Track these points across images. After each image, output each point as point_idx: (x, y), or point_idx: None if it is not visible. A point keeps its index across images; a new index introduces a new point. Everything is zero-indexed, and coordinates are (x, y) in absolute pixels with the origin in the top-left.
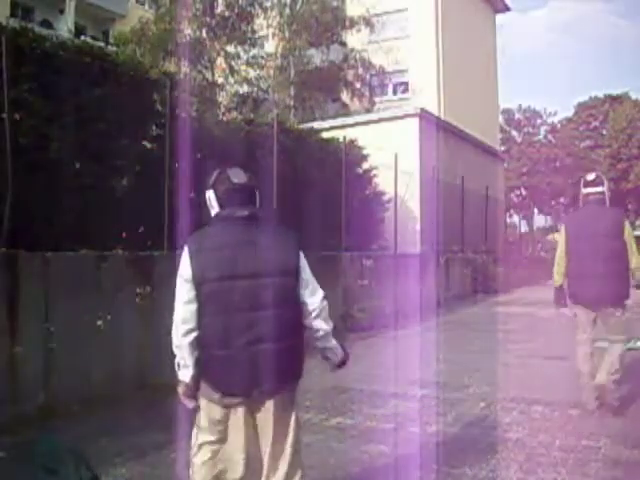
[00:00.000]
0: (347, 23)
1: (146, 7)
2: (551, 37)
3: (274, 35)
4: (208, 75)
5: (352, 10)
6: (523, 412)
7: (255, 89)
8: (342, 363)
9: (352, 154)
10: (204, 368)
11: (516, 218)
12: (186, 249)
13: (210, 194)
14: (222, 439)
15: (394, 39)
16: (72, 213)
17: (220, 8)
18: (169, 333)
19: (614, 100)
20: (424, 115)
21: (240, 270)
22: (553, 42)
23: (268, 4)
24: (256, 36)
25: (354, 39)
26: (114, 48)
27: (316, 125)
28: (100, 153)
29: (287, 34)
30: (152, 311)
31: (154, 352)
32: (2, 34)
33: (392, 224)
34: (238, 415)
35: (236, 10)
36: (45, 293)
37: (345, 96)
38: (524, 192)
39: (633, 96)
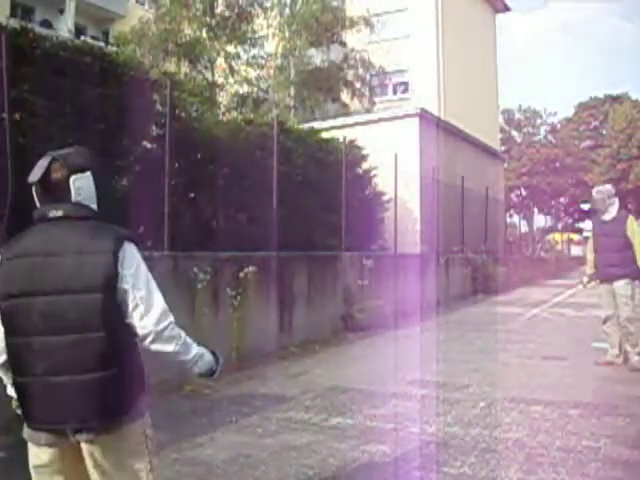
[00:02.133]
0: (347, 23)
1: (146, 7)
2: (551, 37)
3: (274, 35)
4: (208, 75)
5: (352, 10)
6: (523, 412)
7: (255, 89)
8: (211, 373)
9: (352, 154)
10: (21, 403)
11: (516, 218)
12: None
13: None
14: None
15: (394, 39)
16: None
17: (220, 8)
18: None
19: (614, 100)
20: (424, 115)
21: (41, 282)
22: (553, 42)
23: (268, 4)
24: (256, 36)
25: (354, 39)
26: (114, 48)
27: (316, 125)
28: (100, 153)
29: (287, 34)
30: None
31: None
32: (2, 34)
33: (392, 224)
34: (55, 458)
35: (236, 10)
36: None
37: (345, 96)
38: (524, 192)
39: (633, 96)
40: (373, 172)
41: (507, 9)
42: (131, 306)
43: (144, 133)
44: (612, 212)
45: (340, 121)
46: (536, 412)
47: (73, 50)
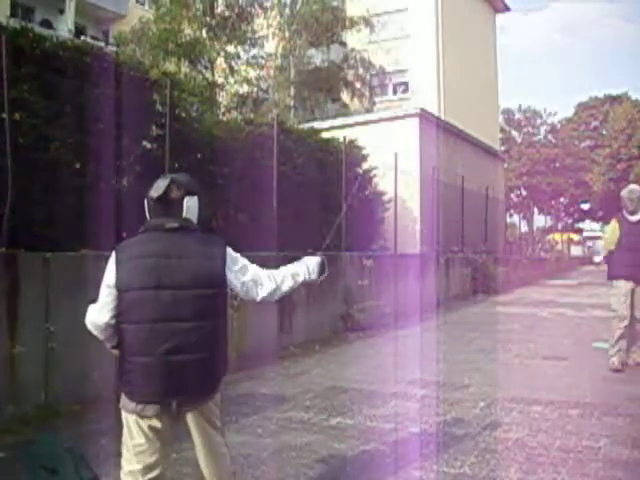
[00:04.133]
0: (347, 23)
1: (146, 7)
2: (552, 37)
3: (274, 35)
4: (208, 75)
5: (352, 10)
6: (523, 412)
7: (255, 89)
8: (322, 271)
9: (352, 154)
10: (123, 378)
11: (516, 218)
12: (113, 256)
13: (145, 203)
14: (147, 461)
15: (394, 39)
16: (72, 213)
17: (220, 8)
18: None
19: (614, 100)
20: (424, 115)
21: (162, 279)
22: (554, 42)
23: (268, 4)
24: (256, 36)
25: (354, 39)
26: (114, 48)
27: (316, 125)
28: (100, 153)
29: (287, 34)
30: None
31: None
32: (2, 34)
33: (392, 224)
34: (157, 426)
35: (236, 10)
36: (45, 293)
37: (345, 96)
38: (524, 192)
39: (633, 96)
40: (373, 172)
41: (507, 9)
42: (238, 281)
43: (144, 133)
44: None
45: (340, 121)
46: (536, 412)
47: (73, 50)
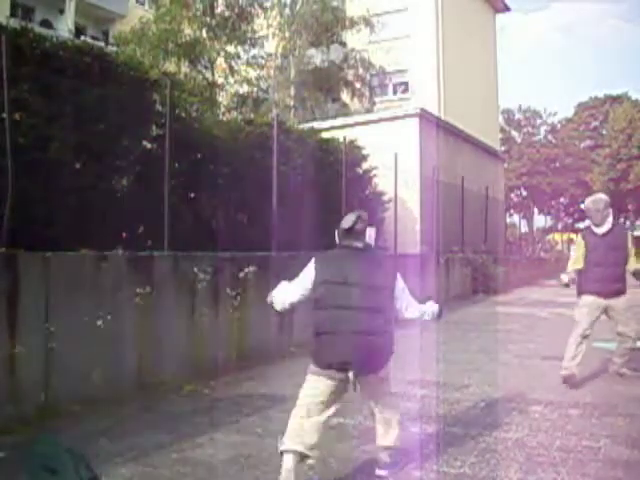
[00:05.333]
0: (347, 23)
1: (146, 7)
2: (552, 37)
3: (274, 35)
4: (208, 75)
5: (352, 10)
6: (523, 412)
7: (255, 89)
8: (439, 315)
9: (352, 154)
10: (316, 349)
11: (516, 218)
12: (313, 260)
13: (336, 232)
14: (320, 409)
15: (394, 39)
16: (72, 213)
17: (220, 8)
18: (169, 332)
19: (614, 100)
20: (424, 115)
21: (349, 279)
22: (554, 42)
23: (268, 4)
24: (256, 36)
25: (354, 39)
26: (114, 48)
27: (316, 125)
28: (100, 153)
29: (287, 34)
30: (152, 311)
31: (154, 352)
32: (2, 34)
33: (392, 224)
34: (332, 388)
35: (236, 10)
36: (45, 293)
37: (345, 96)
38: (524, 192)
39: (633, 96)
40: (373, 172)
41: (507, 9)
42: (405, 303)
43: (144, 133)
44: (608, 224)
45: (340, 121)
46: (536, 412)
47: (73, 50)
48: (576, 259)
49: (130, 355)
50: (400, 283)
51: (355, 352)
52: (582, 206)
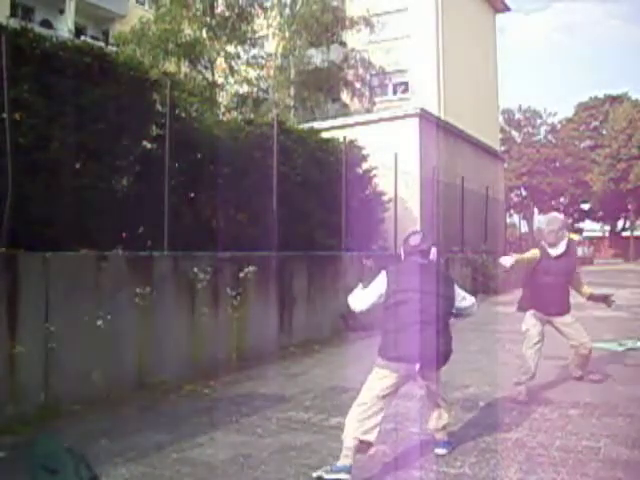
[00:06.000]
0: (347, 23)
1: (146, 7)
2: (553, 38)
3: (274, 35)
4: (208, 75)
5: (352, 10)
6: (523, 412)
7: (255, 89)
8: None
9: (352, 154)
10: (388, 345)
11: (516, 218)
12: (385, 272)
13: (401, 248)
14: (383, 400)
15: (394, 39)
16: (72, 213)
17: (220, 8)
18: (169, 332)
19: (614, 100)
20: (424, 115)
21: (420, 288)
22: (555, 43)
23: (268, 4)
24: (256, 36)
25: (354, 39)
26: (114, 48)
27: (316, 125)
28: (100, 153)
29: (287, 34)
30: (152, 311)
31: (154, 352)
32: (2, 34)
33: (392, 224)
34: (396, 381)
35: (236, 10)
36: (45, 293)
37: (345, 96)
38: (524, 192)
39: (633, 96)
40: (373, 172)
41: (507, 9)
42: (460, 302)
43: (144, 133)
44: (562, 245)
45: (340, 121)
46: (536, 412)
47: (73, 50)
48: (523, 260)
49: (130, 355)
50: (459, 291)
51: (422, 350)
52: (582, 206)
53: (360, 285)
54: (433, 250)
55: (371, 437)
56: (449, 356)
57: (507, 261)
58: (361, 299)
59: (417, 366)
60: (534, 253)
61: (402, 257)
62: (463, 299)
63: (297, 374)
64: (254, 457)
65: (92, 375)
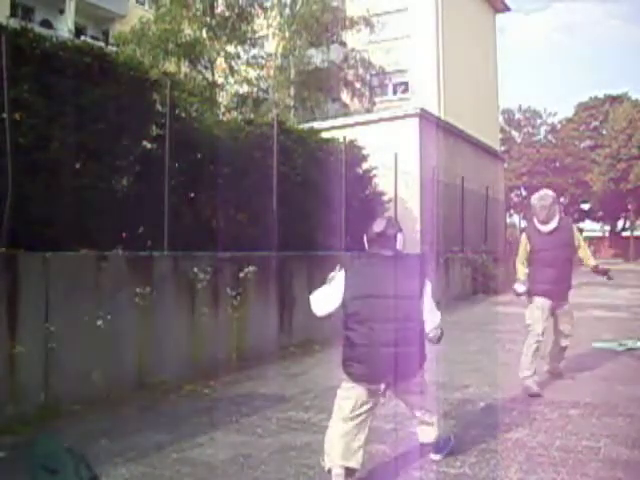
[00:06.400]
0: (347, 23)
1: (146, 7)
2: (553, 38)
3: (274, 35)
4: (208, 75)
5: (352, 10)
6: (523, 412)
7: (255, 89)
8: (439, 339)
9: (352, 154)
10: (348, 362)
11: (516, 218)
12: (343, 271)
13: (364, 237)
14: (359, 415)
15: (394, 39)
16: (72, 213)
17: (220, 8)
18: (169, 332)
19: (614, 100)
20: (424, 115)
21: (381, 291)
22: (555, 43)
23: (268, 4)
24: (256, 36)
25: (354, 39)
26: (114, 48)
27: (316, 125)
28: (100, 153)
29: (287, 34)
30: (152, 311)
31: (154, 352)
32: (2, 34)
33: None
34: (366, 399)
35: (236, 10)
36: (45, 293)
37: (345, 96)
38: (524, 192)
39: (633, 96)
40: (373, 172)
41: (507, 9)
42: (427, 309)
43: (144, 133)
44: (555, 222)
45: (340, 121)
46: (536, 412)
47: (73, 50)
48: (519, 258)
49: (130, 355)
50: (428, 289)
51: (388, 365)
52: (582, 206)
53: (328, 281)
54: (400, 237)
55: (355, 463)
56: (422, 364)
57: (521, 288)
58: (319, 304)
59: (382, 386)
60: (522, 240)
61: (365, 247)
62: (430, 311)
63: (297, 374)
64: (254, 457)
65: (92, 375)
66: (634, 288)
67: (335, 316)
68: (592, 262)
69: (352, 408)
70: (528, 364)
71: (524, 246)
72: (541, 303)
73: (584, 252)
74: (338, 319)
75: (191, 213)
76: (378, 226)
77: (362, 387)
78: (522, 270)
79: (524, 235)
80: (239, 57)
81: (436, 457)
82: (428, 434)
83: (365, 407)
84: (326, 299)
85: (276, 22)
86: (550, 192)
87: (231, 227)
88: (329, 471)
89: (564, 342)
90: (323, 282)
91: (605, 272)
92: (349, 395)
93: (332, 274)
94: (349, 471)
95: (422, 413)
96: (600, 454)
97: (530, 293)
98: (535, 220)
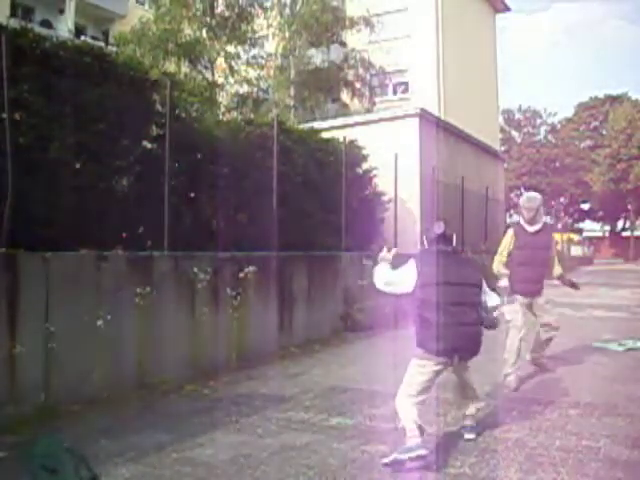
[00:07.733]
0: (347, 23)
1: (146, 7)
2: (554, 38)
3: (274, 35)
4: (208, 75)
5: (352, 10)
6: (523, 412)
7: (255, 89)
8: (495, 325)
9: (352, 154)
10: (425, 338)
11: (516, 218)
12: (414, 261)
13: (424, 236)
14: (426, 388)
15: (394, 39)
16: (72, 213)
17: (220, 8)
18: (169, 332)
19: (614, 100)
20: (424, 115)
21: (451, 279)
22: (555, 43)
23: (268, 4)
24: (256, 36)
25: (354, 39)
26: (114, 48)
27: (316, 125)
28: (100, 153)
29: (287, 34)
30: (152, 311)
31: (154, 352)
32: (2, 34)
33: (392, 224)
34: (437, 369)
35: (236, 10)
36: (45, 293)
37: (345, 96)
38: (524, 192)
39: (633, 96)
40: (373, 172)
41: (507, 9)
42: (487, 293)
43: (144, 133)
44: (540, 224)
45: (340, 121)
46: (536, 412)
47: (73, 50)
48: (501, 251)
49: (130, 355)
50: (484, 284)
51: (462, 341)
52: (582, 206)
53: (383, 260)
54: (454, 237)
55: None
56: (480, 345)
57: (504, 282)
58: (393, 284)
59: (455, 359)
60: (509, 234)
61: (425, 245)
62: (488, 294)
63: (297, 374)
64: (254, 457)
65: (92, 375)
66: (634, 288)
67: (329, 314)
68: (557, 272)
69: (422, 383)
70: (512, 362)
71: (510, 240)
72: (520, 300)
73: (553, 260)
74: (330, 318)
75: (191, 213)
76: (439, 228)
77: (435, 361)
78: (503, 263)
79: (512, 230)
80: (239, 57)
81: (471, 436)
82: (471, 406)
83: (432, 382)
84: (402, 282)
85: (276, 22)
86: (538, 195)
87: (231, 227)
88: (403, 429)
89: (547, 335)
90: (323, 282)
91: (572, 284)
92: (423, 371)
93: (382, 254)
94: (422, 429)
95: (470, 388)
96: (600, 454)
97: (511, 290)
98: (521, 219)
